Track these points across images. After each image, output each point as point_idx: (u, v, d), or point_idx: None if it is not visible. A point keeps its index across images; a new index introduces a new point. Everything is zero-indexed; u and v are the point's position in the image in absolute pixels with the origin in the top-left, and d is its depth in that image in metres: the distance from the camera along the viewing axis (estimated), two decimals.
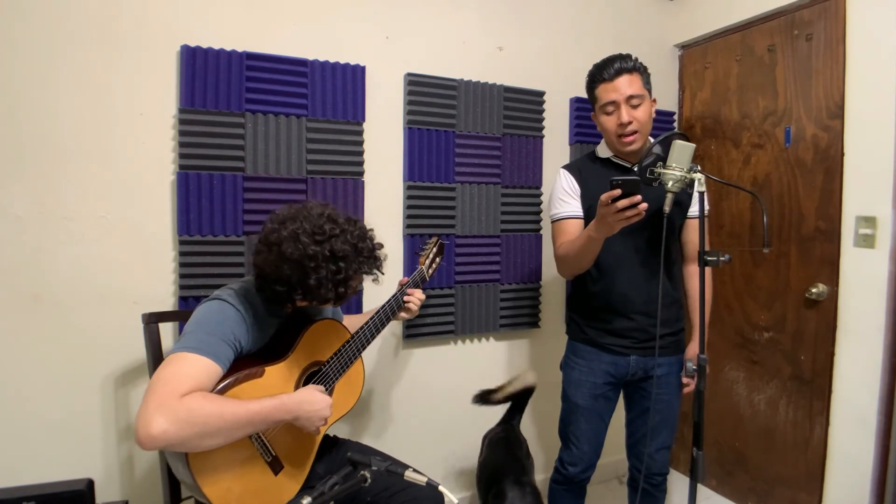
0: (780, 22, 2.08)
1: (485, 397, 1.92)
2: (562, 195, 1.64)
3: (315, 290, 1.15)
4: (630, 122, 1.52)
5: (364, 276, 1.25)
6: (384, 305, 1.48)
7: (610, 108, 1.54)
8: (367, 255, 1.22)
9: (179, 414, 0.99)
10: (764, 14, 2.11)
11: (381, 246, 1.28)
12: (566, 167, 1.70)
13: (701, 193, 1.33)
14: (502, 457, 1.74)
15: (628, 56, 1.56)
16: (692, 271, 1.68)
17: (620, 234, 1.38)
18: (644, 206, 1.28)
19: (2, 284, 1.47)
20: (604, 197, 1.29)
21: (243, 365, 1.18)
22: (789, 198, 2.05)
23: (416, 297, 1.55)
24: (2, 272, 1.46)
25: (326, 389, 1.31)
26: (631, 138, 1.53)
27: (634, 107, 1.53)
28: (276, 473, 1.23)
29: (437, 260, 1.69)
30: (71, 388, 1.55)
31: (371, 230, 1.28)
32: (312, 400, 1.18)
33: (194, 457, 1.07)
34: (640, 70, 1.57)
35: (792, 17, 2.03)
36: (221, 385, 1.11)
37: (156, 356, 1.43)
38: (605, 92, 1.54)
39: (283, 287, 1.16)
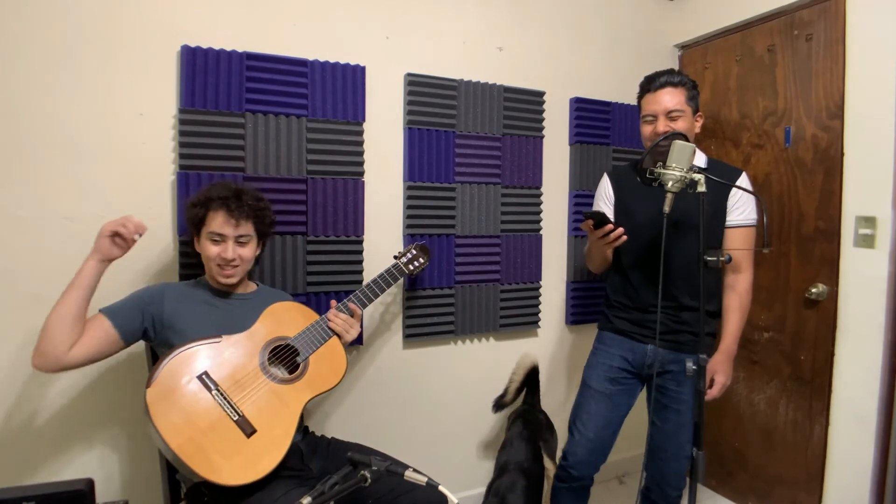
0: (780, 22, 2.08)
1: (500, 404, 2.04)
2: (599, 200, 1.80)
3: (188, 215, 1.43)
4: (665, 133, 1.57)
5: (215, 208, 1.39)
6: (368, 282, 1.63)
7: (649, 118, 1.64)
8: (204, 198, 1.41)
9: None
10: (764, 14, 2.11)
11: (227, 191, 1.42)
12: (609, 172, 1.83)
13: (701, 194, 1.33)
14: (511, 456, 1.82)
15: (677, 71, 1.66)
16: (730, 282, 1.62)
17: (643, 235, 1.52)
18: (619, 231, 1.46)
19: (2, 284, 1.47)
20: (581, 226, 1.51)
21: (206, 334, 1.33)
22: (789, 198, 2.05)
23: (340, 319, 1.52)
24: (2, 272, 1.47)
25: (299, 361, 1.41)
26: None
27: (673, 119, 1.59)
28: (248, 436, 1.25)
29: (422, 260, 1.76)
30: (71, 388, 1.55)
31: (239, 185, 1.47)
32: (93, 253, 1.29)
33: (154, 410, 1.18)
34: (686, 85, 1.62)
35: (792, 17, 2.03)
36: (176, 347, 1.28)
37: (155, 355, 1.43)
38: (648, 103, 1.64)
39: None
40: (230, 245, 1.39)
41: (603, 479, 2.47)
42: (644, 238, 1.59)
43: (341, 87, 1.82)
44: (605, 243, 1.51)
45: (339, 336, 1.51)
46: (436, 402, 2.10)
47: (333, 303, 1.55)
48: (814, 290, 1.93)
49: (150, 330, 1.36)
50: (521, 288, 2.20)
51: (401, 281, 1.94)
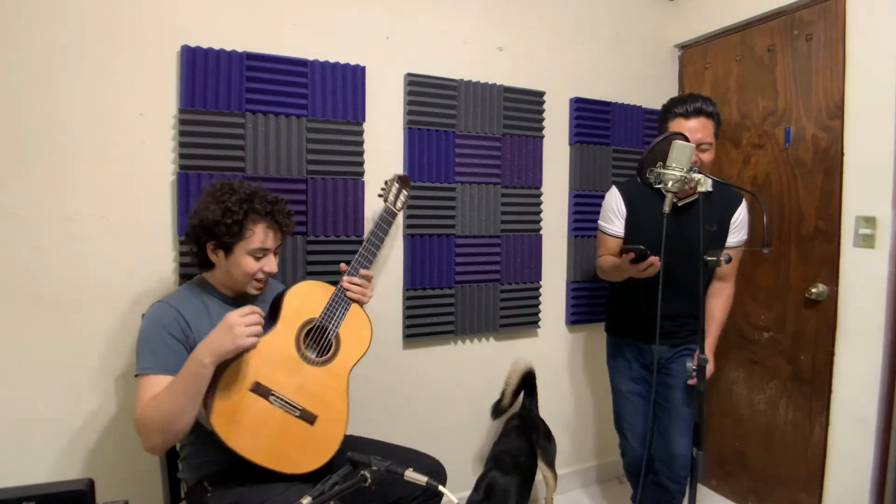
0: (780, 22, 2.08)
1: (498, 409, 2.04)
2: (610, 213, 1.81)
3: (212, 226, 1.29)
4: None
5: (260, 223, 1.33)
6: (366, 239, 1.56)
7: None
8: (241, 202, 1.30)
9: (141, 430, 1.19)
10: (764, 14, 2.11)
11: (271, 198, 1.36)
12: (618, 186, 1.82)
13: (702, 194, 1.33)
14: (505, 447, 1.86)
15: (710, 100, 1.65)
16: (715, 289, 1.78)
17: (654, 253, 1.53)
18: (655, 259, 1.48)
19: (2, 284, 1.47)
20: (622, 259, 1.53)
21: None
22: (789, 198, 2.05)
23: (356, 285, 1.48)
24: (2, 272, 1.46)
25: (330, 337, 1.42)
26: None
27: (702, 151, 1.60)
28: (312, 424, 1.33)
29: (405, 192, 1.69)
30: (71, 388, 1.55)
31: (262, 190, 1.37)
32: (214, 335, 1.19)
33: (227, 436, 1.21)
34: (716, 117, 1.65)
35: (792, 17, 2.03)
36: (221, 366, 1.23)
37: None
38: (679, 128, 1.60)
39: (197, 235, 1.32)
40: (272, 258, 1.36)
41: (604, 480, 2.47)
42: (652, 251, 1.59)
43: (341, 87, 1.82)
44: (644, 276, 1.55)
45: (357, 302, 1.49)
46: (435, 402, 2.10)
47: (343, 266, 1.52)
48: (814, 290, 1.93)
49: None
50: (521, 288, 2.20)
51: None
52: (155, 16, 1.59)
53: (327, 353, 1.41)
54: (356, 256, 1.53)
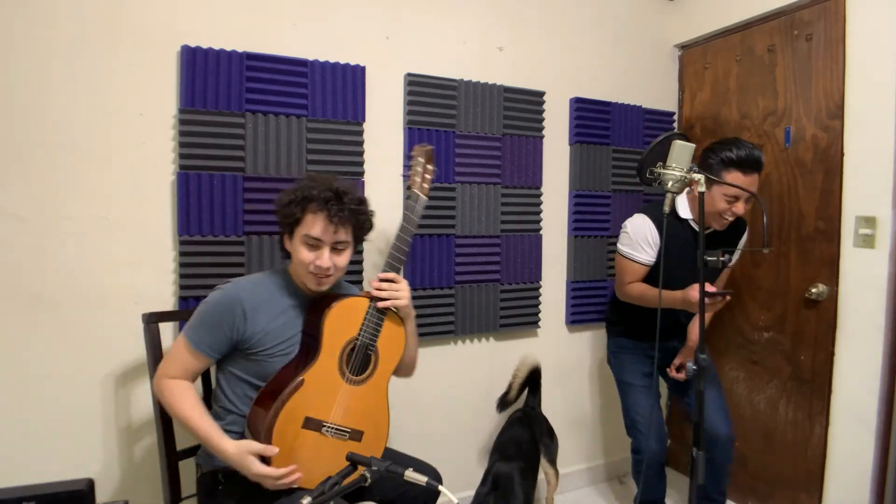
0: (779, 22, 2.08)
1: (504, 401, 2.06)
2: (643, 243, 1.81)
3: (278, 210, 1.36)
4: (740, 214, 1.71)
5: (313, 210, 1.30)
6: (394, 238, 1.46)
7: (731, 199, 1.64)
8: (305, 194, 1.31)
9: (157, 390, 1.31)
10: (764, 14, 2.11)
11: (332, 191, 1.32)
12: (651, 217, 1.81)
13: (701, 194, 1.34)
14: (508, 437, 1.91)
15: (759, 149, 1.67)
16: None
17: (679, 277, 1.63)
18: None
19: (2, 284, 1.47)
20: (711, 296, 1.57)
21: (285, 376, 1.32)
22: (789, 198, 2.05)
23: (384, 291, 1.39)
24: (2, 272, 1.46)
25: (369, 352, 1.38)
26: (728, 220, 1.71)
27: (747, 202, 1.68)
28: (360, 440, 1.37)
29: (430, 168, 1.53)
30: (71, 388, 1.55)
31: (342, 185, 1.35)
32: (238, 455, 1.19)
33: (297, 479, 1.23)
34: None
35: (792, 17, 2.03)
36: (272, 411, 1.24)
37: (156, 356, 1.43)
38: (736, 181, 1.61)
39: (277, 221, 1.38)
40: (326, 253, 1.31)
41: (604, 479, 2.47)
42: (678, 278, 1.65)
43: (341, 87, 1.82)
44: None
45: (394, 306, 1.39)
46: (435, 402, 2.10)
47: (374, 282, 1.43)
48: (814, 290, 1.93)
49: (232, 346, 1.33)
50: (521, 288, 2.20)
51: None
52: (155, 16, 1.59)
53: (367, 367, 1.39)
54: (385, 260, 1.45)
